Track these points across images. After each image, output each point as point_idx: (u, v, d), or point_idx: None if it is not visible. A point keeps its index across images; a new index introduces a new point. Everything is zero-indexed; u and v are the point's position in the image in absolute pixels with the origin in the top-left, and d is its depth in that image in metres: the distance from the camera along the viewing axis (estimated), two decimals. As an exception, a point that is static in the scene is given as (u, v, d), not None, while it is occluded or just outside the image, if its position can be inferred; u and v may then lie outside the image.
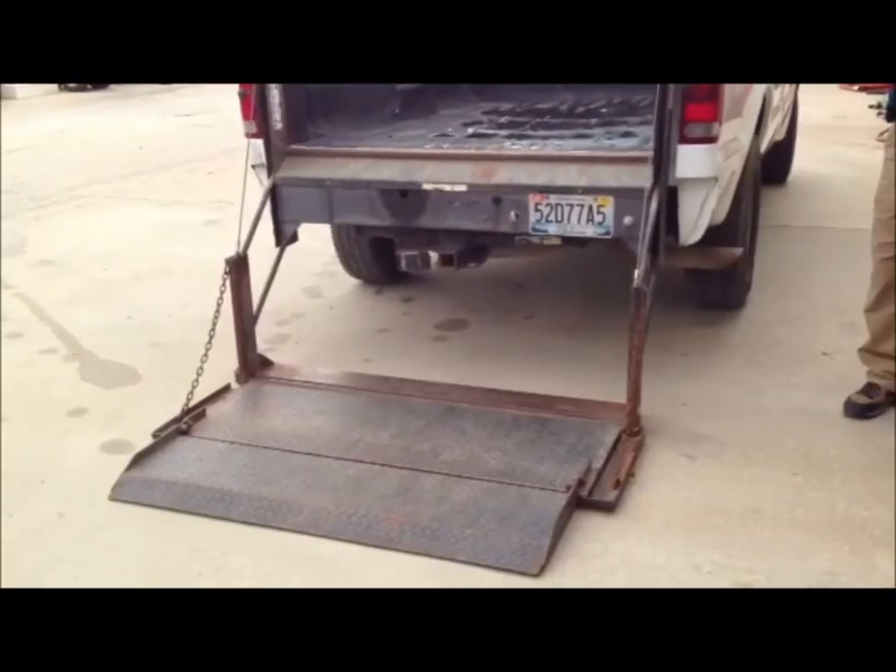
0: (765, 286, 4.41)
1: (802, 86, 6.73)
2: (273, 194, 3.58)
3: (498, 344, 3.93)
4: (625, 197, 3.06)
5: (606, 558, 2.47)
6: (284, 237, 3.63)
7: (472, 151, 3.52)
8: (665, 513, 2.66)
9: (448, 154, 3.52)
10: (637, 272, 2.89)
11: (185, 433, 3.07)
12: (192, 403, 3.20)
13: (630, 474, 2.79)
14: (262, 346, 3.63)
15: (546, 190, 3.18)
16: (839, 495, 2.71)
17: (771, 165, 5.67)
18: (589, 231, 3.17)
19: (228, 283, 3.36)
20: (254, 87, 3.48)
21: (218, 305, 3.29)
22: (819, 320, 4.04)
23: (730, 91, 3.17)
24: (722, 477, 2.83)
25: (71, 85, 15.22)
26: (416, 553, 2.47)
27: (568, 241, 3.35)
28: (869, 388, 3.20)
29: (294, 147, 3.61)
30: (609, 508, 2.65)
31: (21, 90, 14.02)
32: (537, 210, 3.20)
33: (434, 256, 3.57)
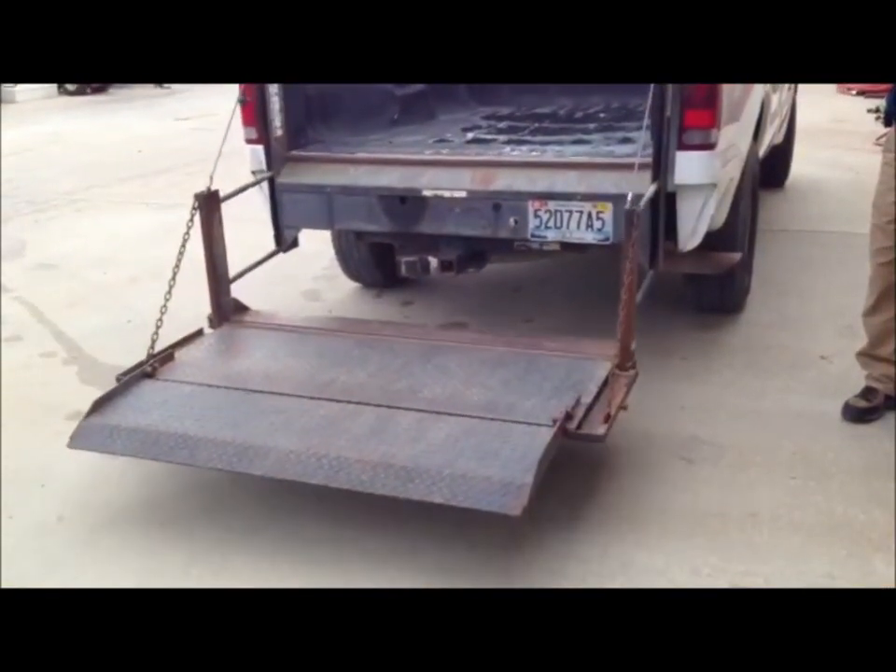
0: (764, 289, 4.42)
1: (800, 90, 6.75)
2: (274, 199, 3.59)
3: (497, 348, 3.94)
4: (624, 203, 3.08)
5: (604, 562, 2.48)
6: (284, 242, 3.65)
7: (472, 157, 3.54)
8: (664, 517, 2.67)
9: (447, 160, 3.54)
10: (629, 195, 2.80)
11: (150, 376, 2.93)
12: (162, 348, 3.07)
13: (622, 407, 2.65)
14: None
15: (545, 197, 3.20)
16: (837, 498, 2.72)
17: (769, 169, 5.68)
18: (588, 237, 3.18)
19: (197, 220, 3.18)
20: (255, 93, 3.49)
21: (185, 240, 3.10)
22: (818, 324, 4.05)
23: (728, 96, 3.18)
24: (721, 480, 2.85)
25: (70, 88, 15.23)
26: (390, 496, 2.36)
27: (567, 247, 3.37)
28: (867, 392, 3.22)
29: (294, 153, 3.62)
30: (598, 440, 2.53)
31: (20, 93, 14.02)
32: (536, 216, 3.21)
33: (434, 261, 3.58)
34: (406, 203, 3.39)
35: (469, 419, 2.60)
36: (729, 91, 3.21)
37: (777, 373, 3.56)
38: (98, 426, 2.72)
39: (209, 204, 3.24)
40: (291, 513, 2.76)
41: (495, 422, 2.58)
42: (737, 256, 3.73)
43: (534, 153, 3.55)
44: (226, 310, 3.37)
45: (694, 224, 3.22)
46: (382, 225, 3.49)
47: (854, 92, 11.40)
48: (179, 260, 3.14)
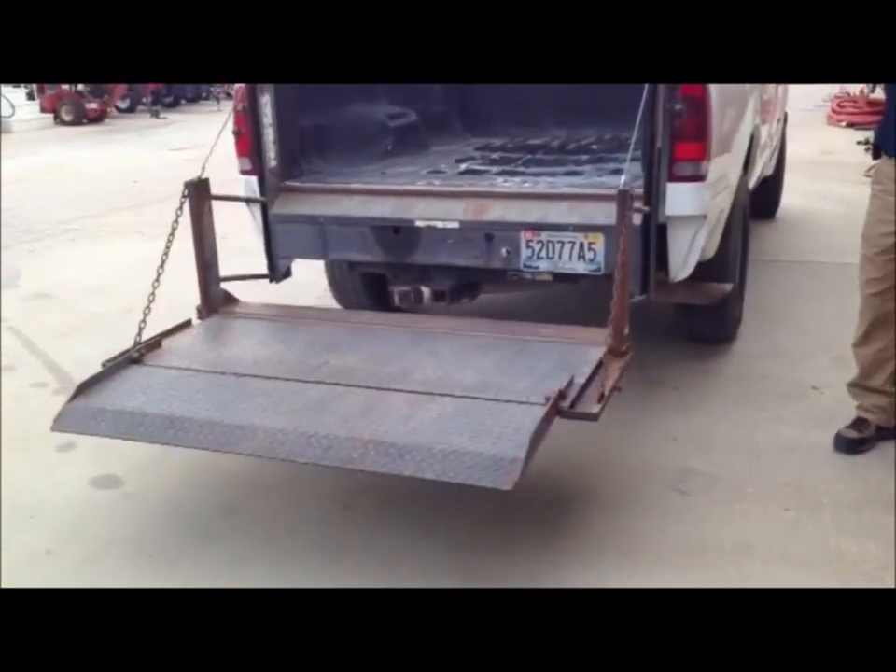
0: (756, 319, 4.44)
1: (790, 122, 6.83)
2: (267, 229, 3.61)
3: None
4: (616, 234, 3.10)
5: (598, 594, 2.46)
6: (278, 272, 3.66)
7: (464, 188, 3.56)
8: (657, 548, 2.66)
9: (440, 191, 3.56)
10: (622, 178, 2.79)
11: (136, 361, 2.90)
12: (148, 338, 3.04)
13: (616, 388, 2.63)
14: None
15: (537, 227, 3.22)
16: (830, 530, 2.72)
17: (760, 201, 5.73)
18: (580, 267, 3.20)
19: (186, 208, 3.14)
20: (248, 125, 3.51)
21: (173, 229, 3.08)
22: (809, 354, 4.06)
23: (718, 128, 3.22)
24: (714, 512, 2.84)
25: (66, 118, 15.41)
26: (380, 474, 2.34)
27: (559, 277, 3.38)
28: (858, 423, 3.22)
29: (288, 183, 3.64)
30: (591, 419, 2.49)
31: (17, 123, 14.14)
32: (528, 247, 3.23)
33: (427, 291, 3.60)
34: (399, 234, 3.41)
35: (461, 399, 2.58)
36: (719, 123, 3.24)
37: (770, 404, 3.57)
38: (82, 408, 2.68)
39: (199, 193, 3.21)
40: (285, 543, 2.74)
41: (487, 401, 2.56)
42: (729, 286, 3.75)
43: (526, 184, 3.58)
44: (215, 301, 3.35)
45: (685, 255, 3.25)
46: (375, 255, 3.51)
47: (844, 124, 11.56)
48: (168, 248, 3.12)
